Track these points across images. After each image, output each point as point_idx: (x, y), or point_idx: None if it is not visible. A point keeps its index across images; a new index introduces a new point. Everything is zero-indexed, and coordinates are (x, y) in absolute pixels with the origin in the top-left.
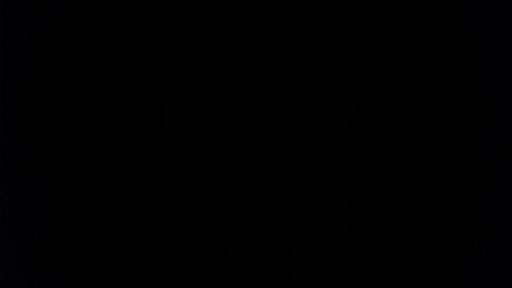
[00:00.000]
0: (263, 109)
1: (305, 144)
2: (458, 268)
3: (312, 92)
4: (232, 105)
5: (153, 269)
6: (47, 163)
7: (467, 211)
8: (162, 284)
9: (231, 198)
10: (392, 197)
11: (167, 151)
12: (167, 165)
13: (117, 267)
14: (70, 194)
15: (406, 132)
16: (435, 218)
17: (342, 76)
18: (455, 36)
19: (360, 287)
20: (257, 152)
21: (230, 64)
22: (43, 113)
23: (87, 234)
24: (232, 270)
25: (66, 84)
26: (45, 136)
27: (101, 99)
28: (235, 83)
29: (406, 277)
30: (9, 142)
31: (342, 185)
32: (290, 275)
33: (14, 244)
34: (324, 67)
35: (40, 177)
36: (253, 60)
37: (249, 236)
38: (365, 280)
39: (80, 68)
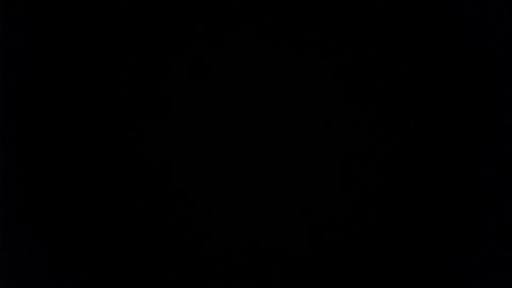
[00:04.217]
0: (263, 109)
1: (304, 144)
2: (459, 267)
3: (312, 92)
4: (231, 105)
5: (152, 270)
6: (47, 162)
7: (467, 212)
8: (161, 284)
9: (230, 198)
10: (393, 198)
11: (165, 151)
12: (166, 164)
13: (117, 267)
14: (70, 194)
15: (407, 132)
16: (435, 218)
17: (342, 76)
18: (455, 36)
19: (361, 287)
20: (256, 152)
21: (229, 64)
22: (43, 113)
23: (86, 233)
24: (231, 269)
25: (66, 84)
26: (44, 136)
27: (101, 99)
28: (234, 83)
29: (406, 277)
30: (9, 142)
31: (343, 185)
32: (288, 275)
33: (14, 244)
34: (324, 67)
35: (40, 177)
36: (253, 60)
37: (247, 235)
38: (365, 280)
39: (80, 68)
